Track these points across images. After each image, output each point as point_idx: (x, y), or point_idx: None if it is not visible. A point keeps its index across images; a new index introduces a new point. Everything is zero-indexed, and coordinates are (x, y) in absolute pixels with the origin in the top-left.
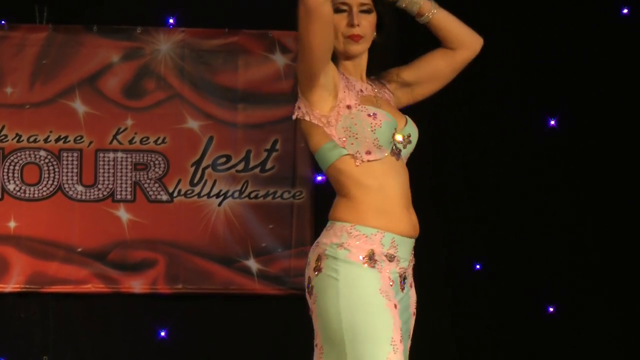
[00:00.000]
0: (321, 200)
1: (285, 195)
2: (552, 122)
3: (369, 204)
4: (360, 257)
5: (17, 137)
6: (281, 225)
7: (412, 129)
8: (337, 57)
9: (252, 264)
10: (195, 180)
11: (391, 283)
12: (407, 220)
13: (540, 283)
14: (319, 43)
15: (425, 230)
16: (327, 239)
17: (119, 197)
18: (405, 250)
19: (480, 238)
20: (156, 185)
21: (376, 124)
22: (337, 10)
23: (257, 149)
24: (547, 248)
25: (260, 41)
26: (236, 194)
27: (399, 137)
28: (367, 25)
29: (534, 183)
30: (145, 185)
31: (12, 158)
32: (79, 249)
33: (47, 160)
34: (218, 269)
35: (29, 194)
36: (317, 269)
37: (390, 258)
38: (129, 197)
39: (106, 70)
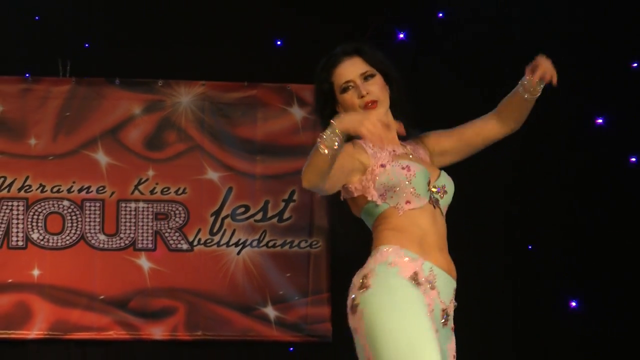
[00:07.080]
0: (337, 249)
1: (302, 244)
2: None
3: (412, 235)
4: (409, 275)
5: (41, 188)
6: (298, 273)
7: (447, 181)
8: None
9: (270, 311)
10: (215, 230)
11: (432, 309)
12: (443, 259)
13: None
14: (333, 187)
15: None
16: (374, 261)
17: (140, 246)
18: (444, 285)
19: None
20: (176, 234)
21: (410, 174)
22: (344, 90)
23: (275, 200)
24: None
25: (279, 94)
26: (254, 243)
27: (434, 188)
28: (376, 88)
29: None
30: (166, 234)
31: (36, 208)
32: (101, 297)
33: (70, 210)
34: (237, 317)
35: (53, 243)
36: (364, 286)
37: (432, 286)
38: (150, 246)
39: (128, 122)
